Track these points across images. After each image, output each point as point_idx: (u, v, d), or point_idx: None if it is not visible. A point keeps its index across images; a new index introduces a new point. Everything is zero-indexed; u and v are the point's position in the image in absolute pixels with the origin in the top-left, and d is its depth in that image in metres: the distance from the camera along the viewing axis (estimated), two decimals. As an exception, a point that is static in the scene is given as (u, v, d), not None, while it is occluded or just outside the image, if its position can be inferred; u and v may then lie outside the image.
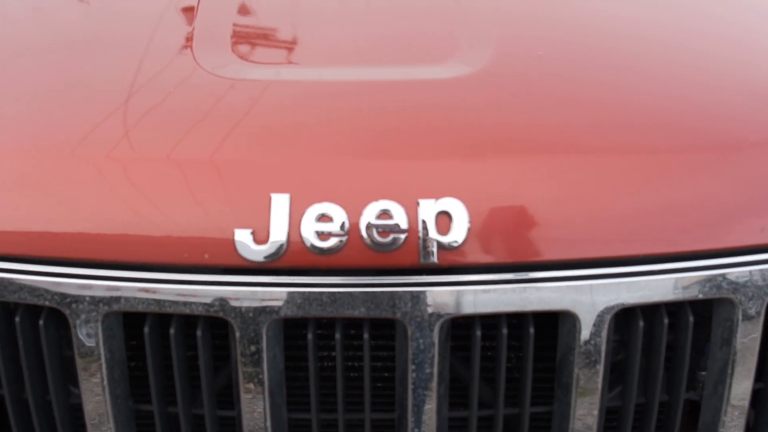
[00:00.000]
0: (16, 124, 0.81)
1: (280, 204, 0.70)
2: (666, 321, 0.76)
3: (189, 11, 0.93)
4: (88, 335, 0.74)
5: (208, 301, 0.72)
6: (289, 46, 0.89)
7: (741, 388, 0.78)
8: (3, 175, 0.74)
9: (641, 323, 0.75)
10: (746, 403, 0.79)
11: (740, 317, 0.75)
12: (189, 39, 0.87)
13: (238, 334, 0.72)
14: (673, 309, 0.77)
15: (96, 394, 0.77)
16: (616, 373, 0.80)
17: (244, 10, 0.94)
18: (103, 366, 0.76)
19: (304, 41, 0.89)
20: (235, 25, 0.90)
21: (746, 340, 0.76)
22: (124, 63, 0.86)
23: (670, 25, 1.00)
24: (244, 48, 0.87)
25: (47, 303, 0.74)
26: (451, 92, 0.78)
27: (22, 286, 0.74)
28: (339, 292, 0.71)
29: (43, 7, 1.05)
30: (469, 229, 0.70)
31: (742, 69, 0.92)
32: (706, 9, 1.07)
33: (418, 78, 0.79)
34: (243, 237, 0.70)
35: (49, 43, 0.95)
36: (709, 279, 0.74)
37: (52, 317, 0.76)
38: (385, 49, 0.87)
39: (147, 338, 0.75)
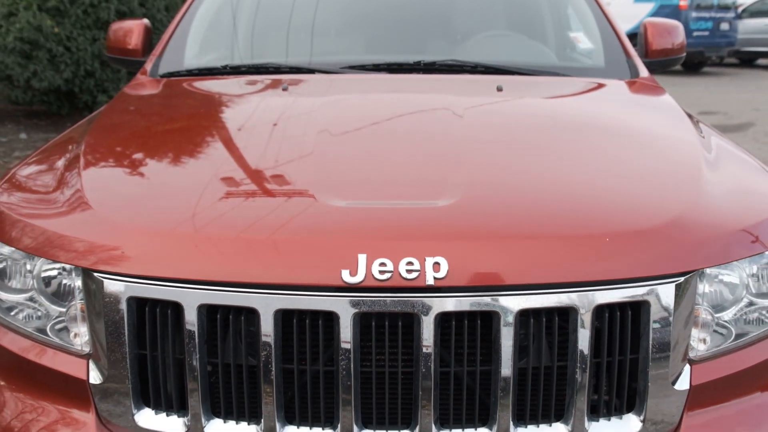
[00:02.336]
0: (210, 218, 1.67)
1: (362, 259, 1.52)
2: (544, 320, 1.55)
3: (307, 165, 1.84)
4: (267, 323, 1.53)
5: (327, 304, 1.52)
6: (363, 189, 1.77)
7: (584, 358, 1.56)
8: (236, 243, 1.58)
9: (532, 320, 1.55)
10: (587, 366, 1.56)
11: (579, 317, 1.55)
12: (310, 188, 1.76)
13: (341, 321, 1.52)
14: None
15: (266, 358, 1.54)
16: (525, 352, 1.58)
17: (338, 170, 1.84)
18: (272, 342, 1.54)
19: (370, 187, 1.78)
20: (332, 177, 1.79)
21: (583, 330, 1.55)
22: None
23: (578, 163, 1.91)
24: (342, 190, 1.73)
25: (245, 306, 1.54)
26: (443, 211, 1.64)
27: (230, 298, 1.55)
28: (389, 300, 1.51)
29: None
30: (448, 270, 1.52)
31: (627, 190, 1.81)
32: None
33: (426, 206, 1.66)
34: (345, 274, 1.51)
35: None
36: (565, 296, 1.54)
37: (241, 315, 1.55)
38: (410, 191, 1.75)
39: (295, 327, 1.54)
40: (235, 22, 3.27)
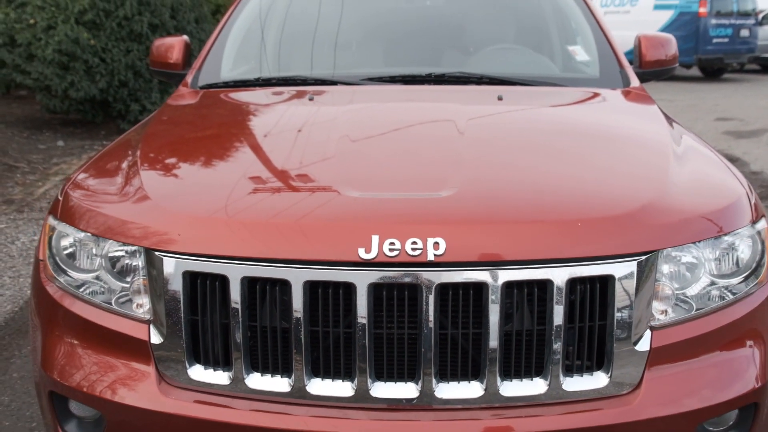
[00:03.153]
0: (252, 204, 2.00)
1: (375, 239, 1.84)
2: (525, 291, 1.87)
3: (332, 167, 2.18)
4: (297, 293, 1.86)
5: (346, 276, 1.85)
6: (377, 183, 2.10)
7: (559, 324, 1.87)
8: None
9: (515, 291, 1.87)
10: (562, 330, 1.87)
11: (554, 288, 1.86)
12: (331, 181, 2.09)
13: (357, 290, 1.84)
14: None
15: (296, 322, 1.87)
16: (510, 318, 1.90)
17: (355, 168, 2.18)
18: (302, 308, 1.87)
19: (382, 182, 2.11)
20: (351, 173, 2.12)
21: (558, 300, 1.86)
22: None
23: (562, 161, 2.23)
24: (359, 184, 2.06)
25: (279, 278, 1.88)
26: (443, 201, 1.96)
27: (267, 272, 1.87)
28: (397, 273, 1.83)
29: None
30: (446, 249, 1.84)
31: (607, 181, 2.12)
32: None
33: (429, 197, 1.98)
34: (361, 251, 1.83)
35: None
36: (543, 271, 1.85)
37: (276, 286, 1.88)
38: (416, 185, 2.08)
39: (320, 295, 1.87)
40: (265, 38, 3.63)
